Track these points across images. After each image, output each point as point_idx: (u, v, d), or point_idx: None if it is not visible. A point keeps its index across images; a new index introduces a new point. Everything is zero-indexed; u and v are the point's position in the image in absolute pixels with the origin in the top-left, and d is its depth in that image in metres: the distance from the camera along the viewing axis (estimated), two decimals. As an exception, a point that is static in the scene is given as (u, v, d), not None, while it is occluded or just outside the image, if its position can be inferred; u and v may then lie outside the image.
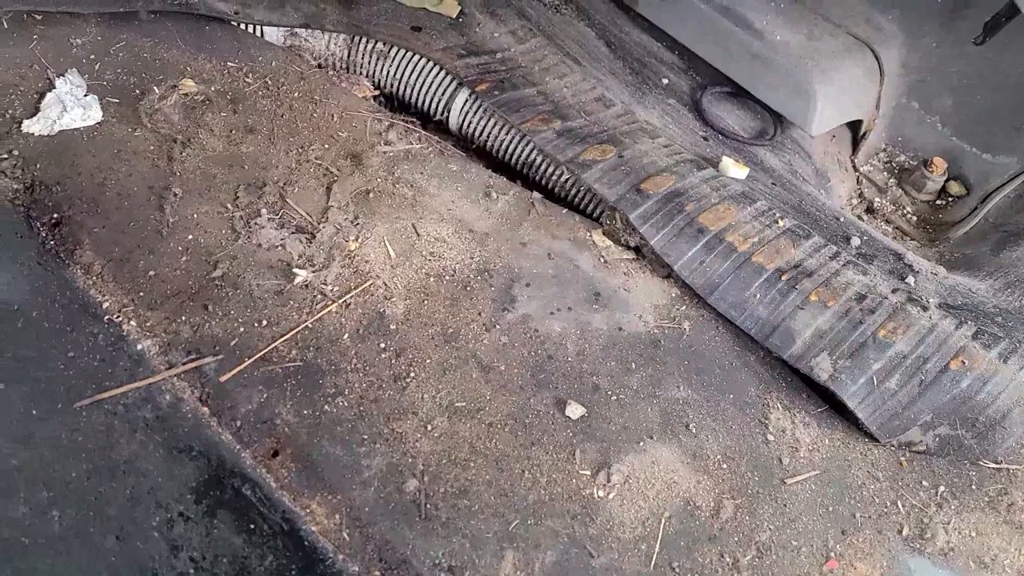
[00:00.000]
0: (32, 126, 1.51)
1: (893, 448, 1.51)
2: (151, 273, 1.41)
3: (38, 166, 1.47)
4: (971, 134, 2.15)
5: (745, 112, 2.12)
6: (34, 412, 1.23)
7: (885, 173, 2.19)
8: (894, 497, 1.45)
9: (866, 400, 1.51)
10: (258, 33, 1.82)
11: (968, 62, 2.05)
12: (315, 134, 1.69)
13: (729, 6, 2.14)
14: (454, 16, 1.97)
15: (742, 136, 2.05)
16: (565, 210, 1.74)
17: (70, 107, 1.54)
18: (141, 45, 1.69)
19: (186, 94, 1.65)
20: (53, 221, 1.42)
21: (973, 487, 1.49)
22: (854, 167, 2.18)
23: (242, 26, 1.80)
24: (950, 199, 2.16)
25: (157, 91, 1.62)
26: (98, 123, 1.56)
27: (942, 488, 1.47)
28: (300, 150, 1.65)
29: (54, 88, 1.57)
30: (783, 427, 1.50)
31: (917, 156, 2.20)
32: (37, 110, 1.54)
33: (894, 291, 1.66)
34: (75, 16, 1.68)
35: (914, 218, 2.11)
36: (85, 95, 1.58)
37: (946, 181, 2.14)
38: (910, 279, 1.73)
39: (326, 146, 1.68)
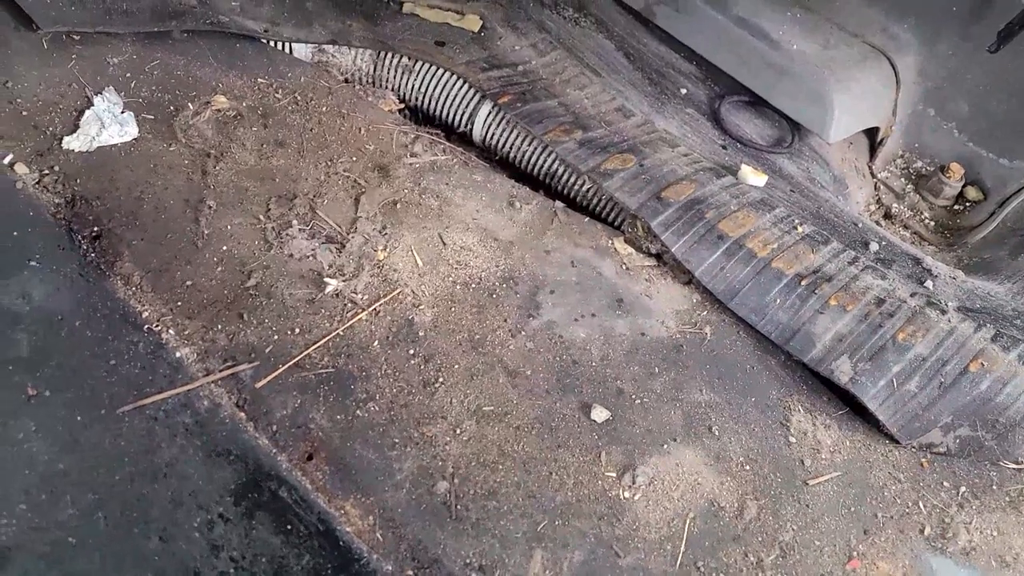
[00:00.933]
0: (72, 143, 1.57)
1: (914, 449, 1.53)
2: (188, 283, 1.45)
3: (78, 181, 1.53)
4: (988, 139, 2.17)
5: (763, 120, 2.15)
6: (79, 418, 1.27)
7: (902, 179, 2.21)
8: (915, 497, 1.47)
9: (886, 402, 1.53)
10: (287, 50, 1.87)
11: (984, 69, 2.07)
12: (343, 147, 1.73)
13: (745, 17, 2.17)
14: (476, 30, 2.01)
15: (760, 144, 2.08)
16: (587, 219, 1.78)
17: (108, 124, 1.60)
18: (175, 63, 1.75)
19: (218, 110, 1.70)
20: (93, 234, 1.47)
21: (994, 487, 1.51)
22: (871, 173, 2.20)
23: (272, 43, 1.85)
24: (967, 204, 2.17)
25: (191, 107, 1.67)
26: (135, 139, 1.61)
27: (963, 488, 1.49)
28: (329, 163, 1.70)
29: (92, 106, 1.62)
30: (805, 429, 1.52)
31: (934, 162, 2.22)
32: (76, 127, 1.59)
33: (913, 295, 1.69)
34: (111, 36, 1.73)
35: (932, 223, 2.13)
36: (122, 112, 1.63)
37: (963, 186, 2.16)
38: (928, 283, 1.75)
39: (354, 158, 1.72)
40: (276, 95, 1.78)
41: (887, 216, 2.14)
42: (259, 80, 1.79)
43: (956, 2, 2.02)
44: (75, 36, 1.71)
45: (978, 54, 2.05)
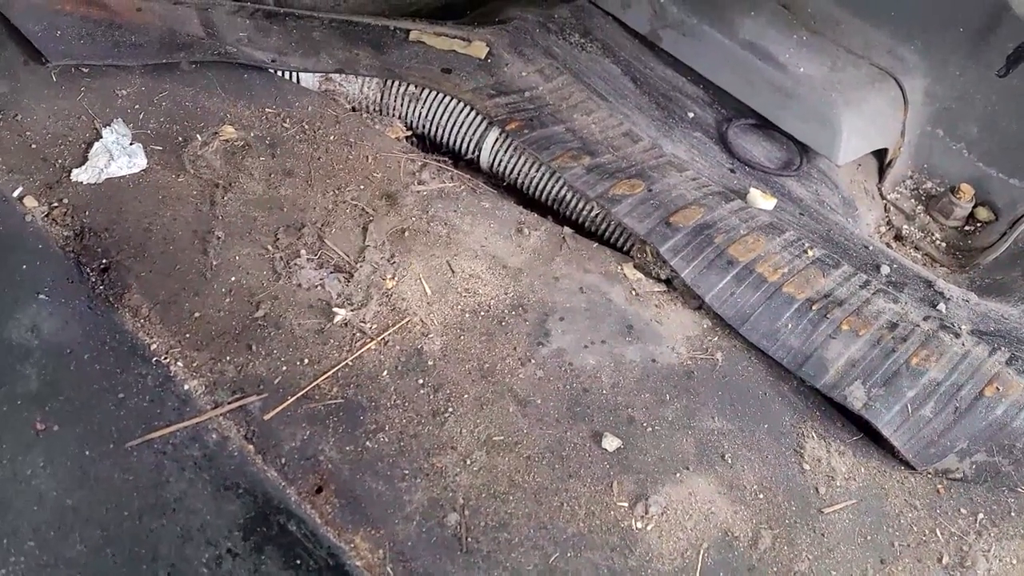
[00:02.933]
0: (80, 175, 1.57)
1: (930, 476, 1.51)
2: (196, 315, 1.45)
3: (87, 213, 1.53)
4: (998, 160, 2.16)
5: (771, 143, 2.14)
6: (87, 453, 1.27)
7: (912, 200, 2.20)
8: (932, 525, 1.45)
9: (901, 428, 1.51)
10: (294, 79, 1.87)
11: (992, 89, 2.06)
12: (351, 175, 1.74)
13: (752, 40, 2.17)
14: (483, 57, 2.02)
15: (769, 167, 2.08)
16: (596, 244, 1.77)
17: (116, 155, 1.60)
18: (183, 94, 1.75)
19: (227, 140, 1.70)
20: (102, 266, 1.47)
21: (1012, 514, 1.48)
22: (881, 195, 2.19)
23: (279, 73, 1.86)
24: (978, 225, 2.16)
25: (199, 138, 1.68)
26: (143, 170, 1.62)
27: (981, 515, 1.47)
28: (337, 191, 1.70)
29: (101, 137, 1.62)
30: (818, 456, 1.50)
31: (944, 183, 2.21)
32: (85, 159, 1.60)
33: (926, 318, 1.67)
34: (120, 68, 1.74)
35: (943, 244, 2.12)
36: (130, 144, 1.64)
37: (974, 207, 2.15)
38: (941, 306, 1.73)
39: (361, 187, 1.72)
40: (284, 124, 1.78)
41: (898, 238, 2.13)
42: (267, 110, 1.79)
43: (963, 23, 2.01)
44: (84, 69, 1.72)
45: (987, 74, 2.05)
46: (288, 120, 1.79)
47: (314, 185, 1.70)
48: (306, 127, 1.79)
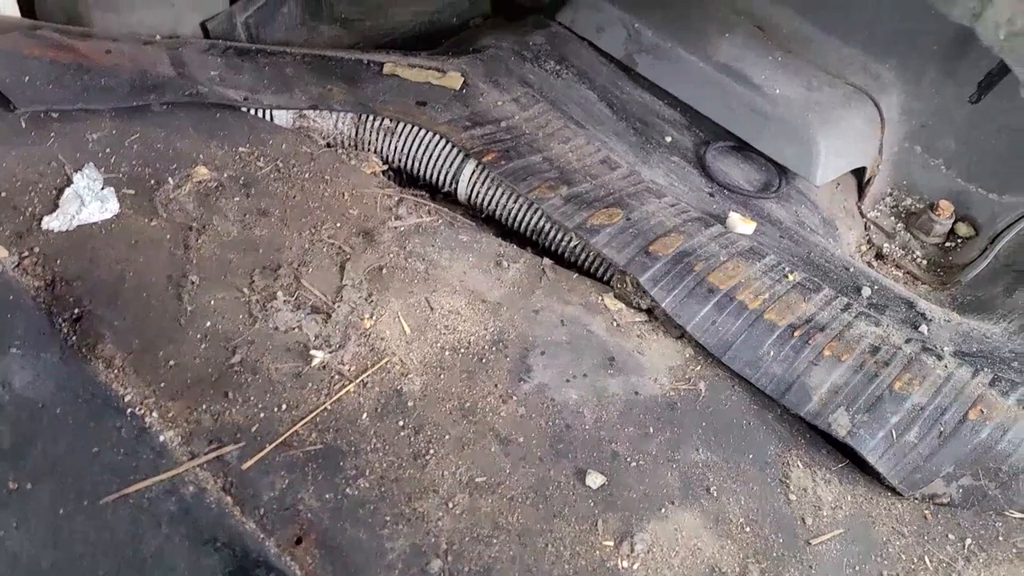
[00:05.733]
0: (51, 222, 1.55)
1: (917, 501, 1.50)
2: (171, 363, 1.43)
3: (58, 262, 1.51)
4: (976, 175, 2.16)
5: (749, 165, 2.14)
6: (61, 511, 1.24)
7: (892, 218, 2.20)
8: (921, 552, 1.44)
9: (886, 454, 1.51)
10: (268, 117, 1.86)
11: (968, 106, 2.07)
12: (327, 213, 1.72)
13: (727, 63, 2.18)
14: (458, 88, 2.01)
15: (747, 190, 2.08)
16: (576, 275, 1.76)
17: (88, 201, 1.58)
18: (155, 136, 1.74)
19: (200, 181, 1.69)
20: (74, 316, 1.45)
21: (1000, 538, 1.48)
22: (861, 213, 2.19)
23: (252, 111, 1.85)
24: (959, 241, 2.16)
25: (171, 181, 1.66)
26: (115, 215, 1.60)
27: (969, 541, 1.46)
28: (313, 230, 1.68)
29: (72, 183, 1.60)
30: (804, 486, 1.49)
31: (923, 199, 2.22)
32: (56, 206, 1.58)
33: (908, 341, 1.67)
34: (90, 112, 1.72)
35: (924, 262, 2.12)
36: (102, 188, 1.62)
37: (954, 223, 2.15)
38: (923, 327, 1.73)
39: (338, 224, 1.71)
40: (258, 163, 1.77)
41: (879, 256, 2.13)
42: (240, 149, 1.78)
43: (937, 41, 2.02)
44: (54, 114, 1.70)
45: (961, 92, 2.06)
46: (262, 159, 1.78)
47: (290, 224, 1.68)
48: (280, 165, 1.78)
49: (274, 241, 1.65)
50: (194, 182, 1.69)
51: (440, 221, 1.79)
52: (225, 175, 1.72)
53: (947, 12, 1.18)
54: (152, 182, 1.67)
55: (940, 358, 1.64)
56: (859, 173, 2.21)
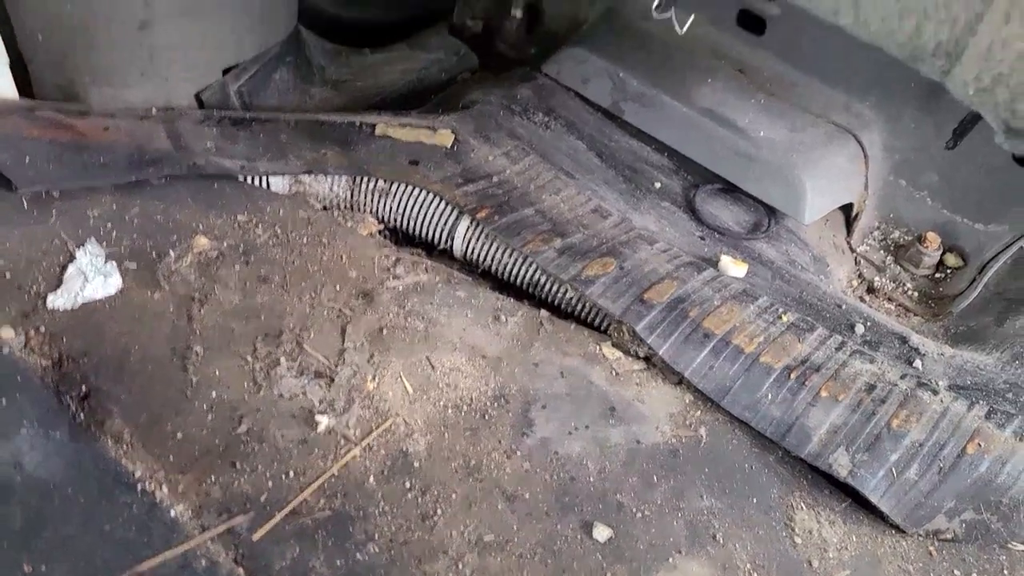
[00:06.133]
0: (56, 300, 1.58)
1: (921, 538, 1.52)
2: (179, 435, 1.45)
3: (64, 340, 1.53)
4: (961, 206, 2.20)
5: (738, 206, 2.18)
6: (76, 591, 1.26)
7: (882, 251, 2.23)
8: (928, 590, 1.45)
9: (888, 493, 1.52)
10: (264, 184, 1.89)
11: (946, 138, 2.11)
12: (326, 276, 1.75)
13: (711, 107, 2.22)
14: (449, 145, 2.05)
15: (738, 231, 2.11)
16: (573, 325, 1.79)
17: (91, 277, 1.61)
18: (154, 209, 1.77)
19: (200, 252, 1.72)
20: (82, 394, 1.47)
21: (1004, 572, 1.49)
22: (851, 248, 2.23)
23: (249, 179, 1.88)
24: (948, 271, 2.20)
25: (172, 253, 1.69)
26: (119, 290, 1.63)
27: (974, 575, 1.48)
28: (313, 294, 1.71)
29: (74, 260, 1.63)
30: (809, 528, 1.51)
31: (911, 231, 2.25)
32: (60, 283, 1.61)
33: (903, 377, 1.69)
34: (91, 189, 1.76)
35: (915, 294, 2.15)
36: (104, 263, 1.65)
37: (942, 254, 2.19)
38: (917, 363, 1.76)
39: (337, 287, 1.74)
40: (256, 231, 1.80)
41: (870, 290, 2.15)
42: (238, 217, 1.81)
43: (914, 79, 2.06)
44: (55, 194, 1.74)
45: (940, 128, 2.10)
46: (260, 226, 1.81)
47: (290, 290, 1.71)
48: (279, 231, 1.81)
49: (275, 307, 1.68)
50: (195, 253, 1.72)
51: (438, 278, 1.82)
52: (225, 244, 1.75)
53: (917, 69, 1.22)
54: (154, 255, 1.70)
55: (936, 393, 1.67)
56: (847, 209, 2.24)
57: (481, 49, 2.68)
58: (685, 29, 1.42)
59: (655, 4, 1.41)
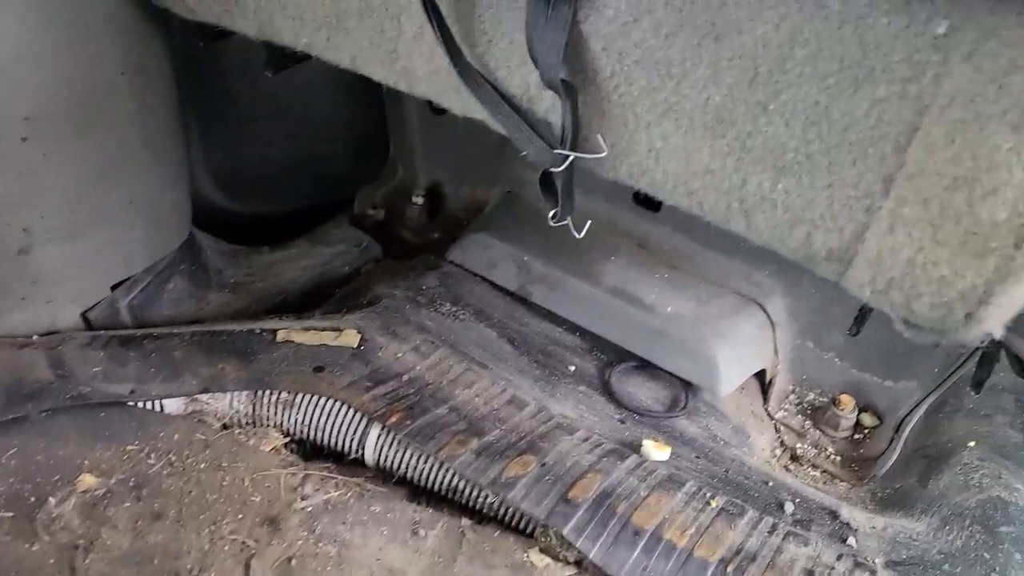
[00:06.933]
0: (-84, 567, 1.41)
1: None
2: None
3: (-76, 615, 1.36)
4: (869, 364, 2.23)
5: (655, 383, 2.16)
6: None
7: (800, 416, 2.23)
8: None
9: None
10: (158, 407, 1.78)
11: (847, 302, 2.16)
12: (227, 505, 1.62)
13: (617, 285, 2.24)
14: (355, 346, 1.98)
15: (657, 411, 2.08)
16: (498, 532, 1.69)
17: (-41, 534, 1.45)
18: (34, 447, 1.63)
19: (85, 491, 1.58)
20: None
21: None
22: (769, 416, 2.22)
23: (140, 404, 1.76)
24: (866, 431, 2.20)
25: (53, 498, 1.54)
26: (-8, 545, 1.47)
27: None
28: (212, 527, 1.58)
29: (-59, 515, 1.47)
30: None
31: (825, 392, 2.27)
32: (-78, 545, 1.44)
33: (839, 558, 1.64)
34: (-36, 433, 1.62)
35: (838, 458, 2.14)
36: (-25, 516, 1.49)
37: (858, 414, 2.20)
38: (851, 540, 1.71)
39: (240, 516, 1.61)
40: (148, 460, 1.67)
41: (794, 458, 2.13)
42: (128, 447, 1.68)
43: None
44: (-81, 441, 1.59)
45: (840, 290, 2.14)
46: (153, 454, 1.68)
47: (186, 524, 1.57)
48: (173, 458, 1.69)
49: (170, 547, 1.53)
50: (79, 493, 1.57)
51: (349, 494, 1.71)
52: (113, 480, 1.62)
53: (812, 270, 1.25)
54: (32, 500, 1.55)
55: (873, 573, 1.61)
56: (761, 376, 2.25)
57: (384, 237, 2.67)
58: (583, 233, 1.42)
59: (551, 215, 1.40)
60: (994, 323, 1.09)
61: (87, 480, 1.59)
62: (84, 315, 1.92)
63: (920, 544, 1.74)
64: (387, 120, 2.77)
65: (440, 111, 1.54)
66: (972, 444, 1.92)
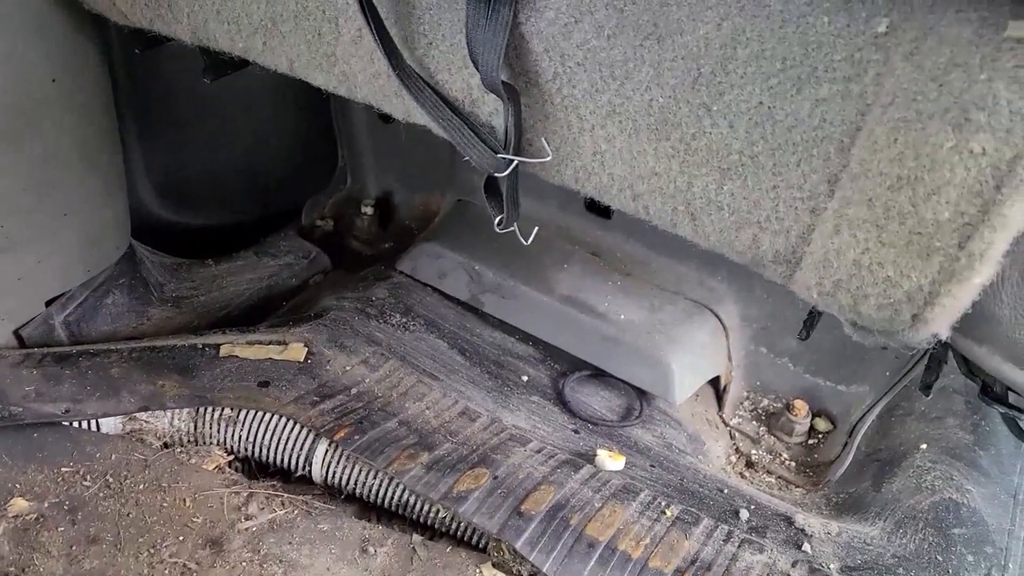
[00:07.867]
0: None
1: None
2: None
3: None
4: (821, 369, 2.23)
5: (609, 391, 2.14)
6: None
7: (754, 422, 2.22)
8: None
9: None
10: (94, 427, 1.71)
11: (798, 307, 2.16)
12: (167, 527, 1.56)
13: (569, 293, 2.21)
14: (302, 359, 1.93)
15: (611, 420, 2.06)
16: (450, 548, 1.65)
17: None
18: (-39, 471, 1.56)
19: (16, 516, 1.51)
20: None
21: None
22: (723, 422, 2.21)
23: (75, 424, 1.70)
24: (820, 436, 2.20)
25: (-19, 525, 1.48)
26: (-88, 578, 1.39)
27: None
28: (152, 550, 1.52)
29: None
30: None
31: (779, 398, 2.26)
32: None
33: (794, 564, 1.63)
34: None
35: (792, 464, 2.13)
36: None
37: (812, 419, 2.19)
38: (806, 546, 1.70)
39: (180, 538, 1.55)
40: (84, 482, 1.60)
41: (749, 464, 2.12)
42: (63, 469, 1.62)
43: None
44: None
45: (792, 294, 2.14)
46: (89, 476, 1.62)
47: (124, 549, 1.51)
48: (111, 480, 1.62)
49: (107, 573, 1.47)
50: (10, 518, 1.50)
51: (296, 512, 1.66)
52: (46, 504, 1.55)
53: (760, 273, 1.24)
54: (-42, 529, 1.48)
55: (829, 578, 1.61)
56: (715, 382, 2.24)
57: (334, 248, 2.62)
58: (531, 240, 1.39)
59: (496, 221, 1.37)
60: (941, 324, 1.08)
61: (19, 504, 1.52)
62: (16, 332, 1.85)
63: (874, 548, 1.73)
64: (335, 127, 2.72)
65: (388, 118, 1.50)
66: (924, 447, 1.93)
